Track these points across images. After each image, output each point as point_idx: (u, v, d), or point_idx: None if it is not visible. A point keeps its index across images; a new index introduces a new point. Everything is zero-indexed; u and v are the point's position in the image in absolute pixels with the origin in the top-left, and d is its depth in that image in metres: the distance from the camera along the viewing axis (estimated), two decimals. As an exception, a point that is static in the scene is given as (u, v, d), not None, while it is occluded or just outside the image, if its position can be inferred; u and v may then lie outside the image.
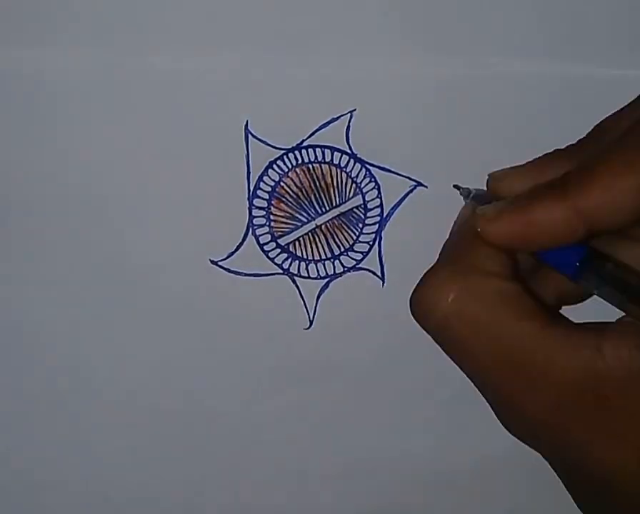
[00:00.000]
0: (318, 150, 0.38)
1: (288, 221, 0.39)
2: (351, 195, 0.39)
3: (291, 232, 0.39)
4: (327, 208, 0.39)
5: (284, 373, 0.40)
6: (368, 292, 0.39)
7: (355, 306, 0.39)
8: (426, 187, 0.38)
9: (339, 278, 0.39)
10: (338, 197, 0.39)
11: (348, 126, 0.37)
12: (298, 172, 0.38)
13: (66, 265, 0.38)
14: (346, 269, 0.39)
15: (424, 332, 0.28)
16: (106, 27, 0.36)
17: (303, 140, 0.38)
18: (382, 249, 0.39)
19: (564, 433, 0.26)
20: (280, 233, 0.39)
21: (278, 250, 0.39)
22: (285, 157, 0.38)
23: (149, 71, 0.37)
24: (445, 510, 0.42)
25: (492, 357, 0.27)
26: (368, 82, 0.37)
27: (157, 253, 0.38)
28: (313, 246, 0.39)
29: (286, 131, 0.38)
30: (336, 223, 0.39)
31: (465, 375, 0.28)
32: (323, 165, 0.38)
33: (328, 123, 0.37)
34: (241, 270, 0.39)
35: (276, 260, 0.39)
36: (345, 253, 0.39)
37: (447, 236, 0.31)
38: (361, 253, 0.39)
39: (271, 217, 0.38)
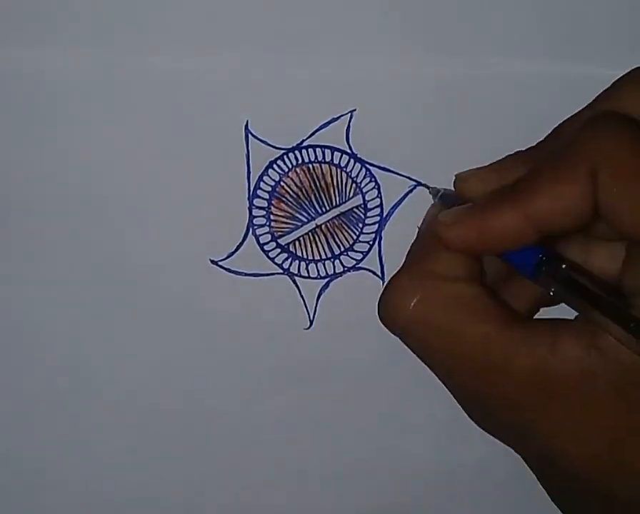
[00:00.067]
0: (318, 150, 0.38)
1: (289, 221, 0.39)
2: (351, 195, 0.39)
3: (291, 232, 0.39)
4: (327, 208, 0.39)
5: (284, 373, 0.40)
6: (368, 292, 0.39)
7: (355, 306, 0.39)
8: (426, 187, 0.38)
9: (339, 277, 0.39)
10: (338, 197, 0.39)
11: (348, 126, 0.37)
12: (299, 172, 0.38)
13: (66, 265, 0.38)
14: (346, 269, 0.39)
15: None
16: (106, 27, 0.36)
17: (303, 140, 0.38)
18: (382, 249, 0.39)
19: (528, 429, 0.27)
20: (280, 233, 0.39)
21: (279, 250, 0.39)
22: (285, 157, 0.38)
23: (149, 71, 0.37)
24: (445, 510, 0.42)
25: (454, 359, 0.28)
26: (368, 82, 0.37)
27: (157, 253, 0.38)
28: (313, 246, 0.39)
29: (286, 131, 0.38)
30: (336, 222, 0.39)
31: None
32: (323, 165, 0.38)
33: (328, 123, 0.37)
34: (241, 270, 0.39)
35: (276, 260, 0.39)
36: (345, 253, 0.39)
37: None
38: (361, 252, 0.39)
39: (271, 217, 0.38)
